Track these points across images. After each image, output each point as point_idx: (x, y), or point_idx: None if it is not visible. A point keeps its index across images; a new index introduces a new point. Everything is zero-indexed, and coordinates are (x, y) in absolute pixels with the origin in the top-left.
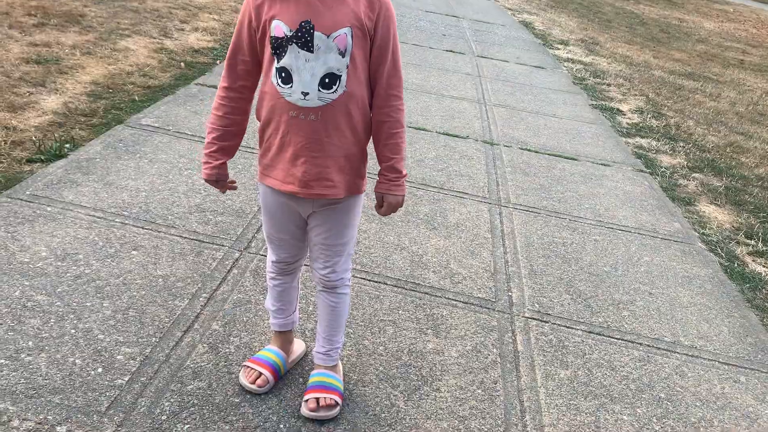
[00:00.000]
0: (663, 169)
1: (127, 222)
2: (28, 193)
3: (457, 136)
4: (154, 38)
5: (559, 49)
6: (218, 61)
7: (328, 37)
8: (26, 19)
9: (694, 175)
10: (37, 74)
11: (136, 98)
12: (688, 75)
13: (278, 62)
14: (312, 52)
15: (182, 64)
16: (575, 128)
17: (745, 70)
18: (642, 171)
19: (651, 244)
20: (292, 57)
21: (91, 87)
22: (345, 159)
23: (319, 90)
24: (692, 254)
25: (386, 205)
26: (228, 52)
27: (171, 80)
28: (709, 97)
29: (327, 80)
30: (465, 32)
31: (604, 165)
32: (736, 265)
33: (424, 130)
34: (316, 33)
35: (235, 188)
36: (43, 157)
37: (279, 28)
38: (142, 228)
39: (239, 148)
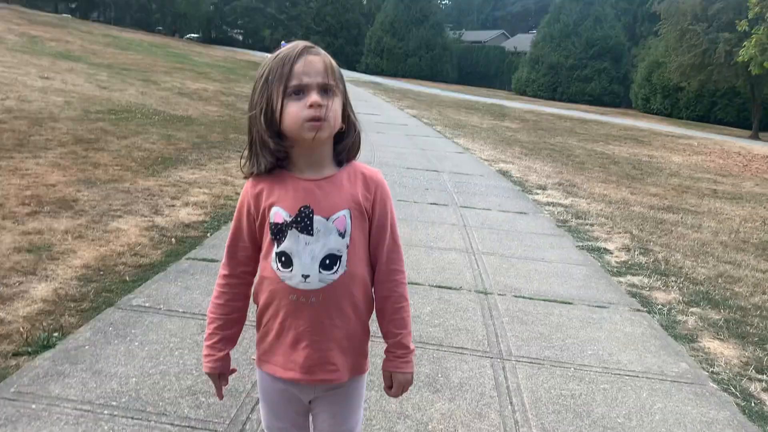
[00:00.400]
0: (660, 307)
1: (115, 413)
2: (12, 390)
3: (450, 288)
4: (145, 216)
5: (538, 194)
6: (209, 234)
7: (327, 219)
8: (20, 208)
9: (691, 310)
10: (28, 263)
11: (127, 278)
12: (666, 208)
13: (278, 247)
14: (312, 234)
15: (173, 240)
16: (566, 271)
17: (719, 199)
18: (639, 310)
19: (661, 388)
20: (292, 241)
21: (82, 271)
22: (347, 339)
23: (319, 272)
24: (706, 396)
25: (396, 385)
26: (228, 240)
27: (162, 257)
28: (692, 229)
29: (327, 261)
30: (446, 185)
31: (601, 307)
32: (753, 404)
33: (417, 284)
34: (315, 217)
35: (234, 372)
36: (30, 349)
37: (278, 214)
38: (132, 419)
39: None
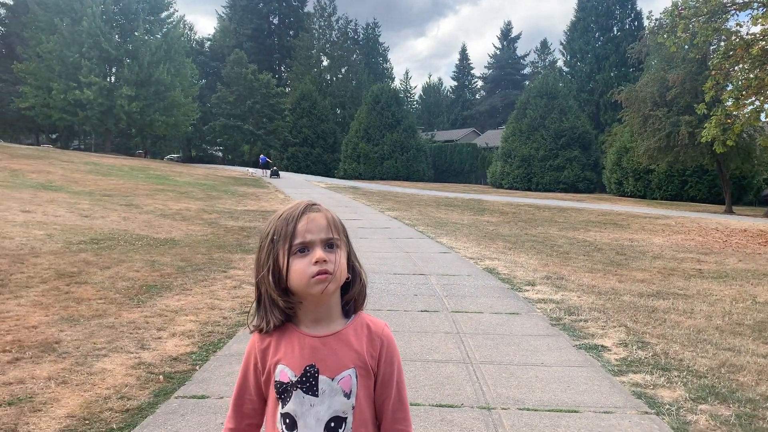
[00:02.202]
0: (668, 407)
1: None
2: None
3: (451, 406)
4: (131, 353)
5: (527, 290)
6: (197, 366)
7: (332, 380)
8: (1, 356)
9: (700, 407)
10: (9, 418)
11: (114, 426)
12: (656, 294)
13: (283, 407)
14: (317, 396)
15: (161, 377)
16: (567, 375)
17: (706, 279)
18: (647, 413)
19: None
20: (297, 402)
21: (66, 422)
22: None
23: None
24: None
25: None
26: (234, 393)
27: (150, 398)
28: (684, 315)
29: (333, 424)
30: (435, 289)
31: (607, 413)
32: None
33: (416, 405)
34: (320, 377)
35: None
36: None
37: (284, 373)
38: None
39: None
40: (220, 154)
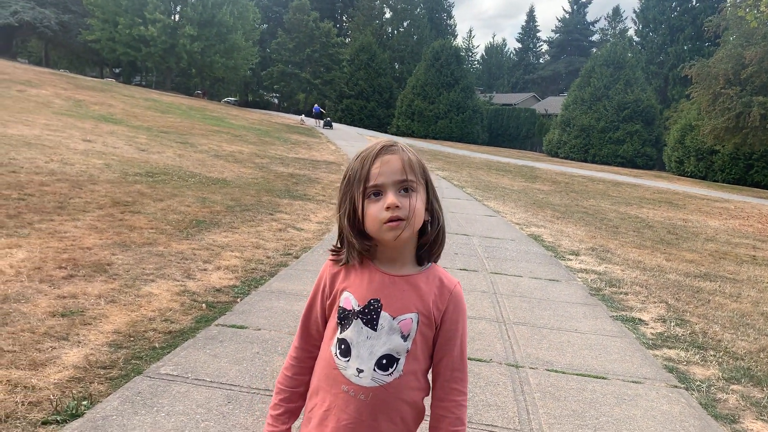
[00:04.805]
0: (698, 383)
1: None
2: None
3: (480, 360)
4: (177, 281)
5: (570, 260)
6: (239, 299)
7: (393, 319)
8: (57, 272)
9: (732, 387)
10: (61, 328)
11: (157, 345)
12: (703, 276)
13: (341, 333)
14: (375, 330)
15: (203, 305)
16: (599, 343)
17: (759, 266)
18: (676, 387)
19: None
20: (355, 331)
21: (112, 336)
22: None
23: (374, 370)
24: None
25: None
26: (303, 313)
27: (192, 323)
28: (730, 298)
29: (384, 361)
30: (476, 249)
31: (636, 383)
32: None
33: None
34: (382, 312)
35: None
36: (59, 418)
37: (348, 300)
38: None
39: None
40: (276, 100)
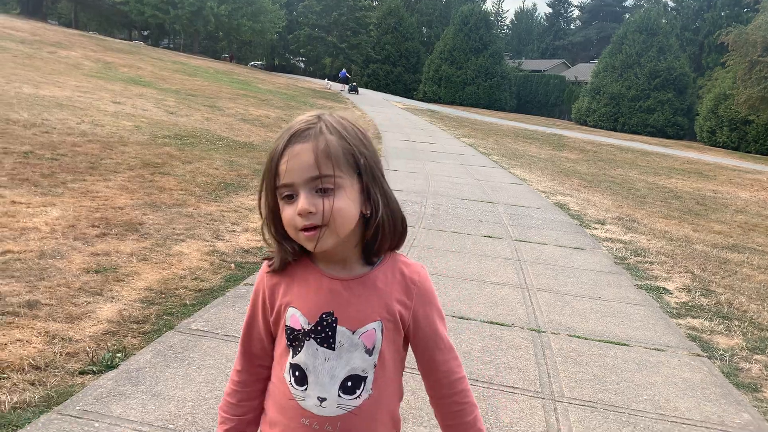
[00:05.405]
0: (721, 352)
1: None
2: (78, 408)
3: (502, 325)
4: (207, 241)
5: (596, 228)
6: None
7: (353, 333)
8: (90, 230)
9: (755, 357)
10: (95, 283)
11: (188, 302)
12: (731, 247)
13: (293, 357)
14: (333, 349)
15: (232, 265)
16: (623, 311)
17: None
18: (699, 355)
19: None
20: (309, 354)
21: (145, 293)
22: None
23: (339, 395)
24: None
25: None
26: (242, 332)
27: (221, 282)
28: (758, 270)
29: (349, 383)
30: (501, 217)
31: (658, 350)
32: None
33: (468, 319)
34: (338, 328)
35: None
36: (95, 369)
37: (295, 318)
38: None
39: None
40: (302, 65)
